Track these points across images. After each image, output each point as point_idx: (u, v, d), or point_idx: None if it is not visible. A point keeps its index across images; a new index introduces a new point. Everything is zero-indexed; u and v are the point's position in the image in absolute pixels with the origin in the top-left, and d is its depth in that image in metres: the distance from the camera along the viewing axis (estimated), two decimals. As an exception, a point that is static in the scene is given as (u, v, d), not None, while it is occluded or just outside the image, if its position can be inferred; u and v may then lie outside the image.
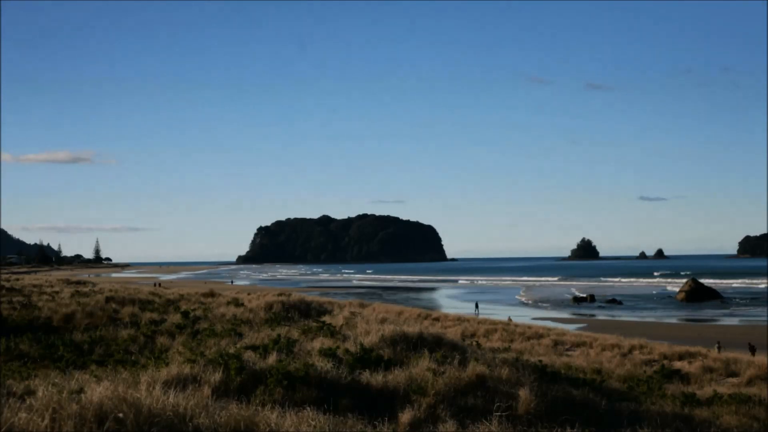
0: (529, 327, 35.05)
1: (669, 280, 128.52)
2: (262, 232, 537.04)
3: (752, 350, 32.30)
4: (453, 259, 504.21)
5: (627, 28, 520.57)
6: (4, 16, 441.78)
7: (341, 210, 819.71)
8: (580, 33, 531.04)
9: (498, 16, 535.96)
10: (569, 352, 26.05)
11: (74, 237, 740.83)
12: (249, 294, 40.72)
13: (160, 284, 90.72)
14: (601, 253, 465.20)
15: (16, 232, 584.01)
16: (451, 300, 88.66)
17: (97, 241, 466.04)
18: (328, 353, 10.90)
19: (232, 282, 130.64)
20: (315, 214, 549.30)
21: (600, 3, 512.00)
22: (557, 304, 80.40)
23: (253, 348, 11.67)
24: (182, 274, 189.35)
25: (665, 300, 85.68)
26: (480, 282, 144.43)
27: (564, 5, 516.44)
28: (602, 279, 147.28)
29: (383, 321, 20.66)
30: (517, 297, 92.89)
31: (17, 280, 50.65)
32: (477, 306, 65.20)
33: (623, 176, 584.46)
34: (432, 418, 9.04)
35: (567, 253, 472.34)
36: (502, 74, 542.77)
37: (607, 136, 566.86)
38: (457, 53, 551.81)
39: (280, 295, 35.52)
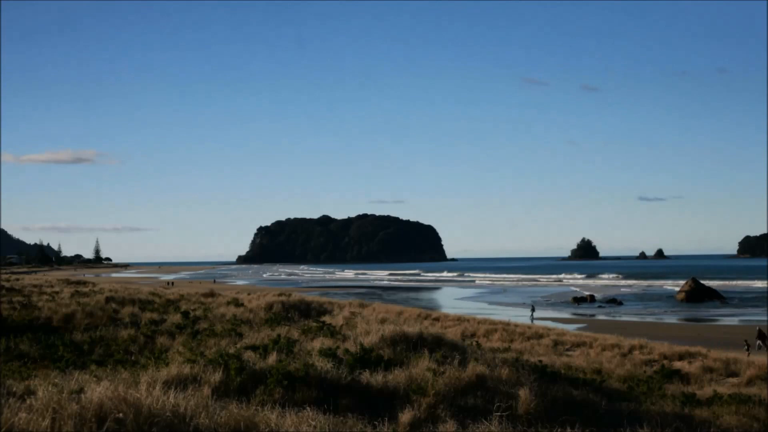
0: (529, 327, 35.05)
1: (668, 280, 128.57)
2: (262, 232, 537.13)
3: (758, 345, 32.60)
4: (453, 259, 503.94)
5: (621, 30, 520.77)
6: (5, 15, 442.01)
7: (341, 210, 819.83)
8: (573, 35, 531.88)
9: (495, 17, 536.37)
10: (569, 352, 26.05)
11: (75, 237, 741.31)
12: (249, 294, 40.72)
13: (172, 283, 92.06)
14: (601, 253, 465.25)
15: (17, 232, 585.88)
16: (461, 301, 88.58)
17: (97, 241, 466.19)
18: (328, 353, 10.90)
19: (214, 281, 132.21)
20: (315, 214, 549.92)
21: (592, 4, 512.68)
22: (557, 304, 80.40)
23: (253, 348, 11.68)
24: (182, 274, 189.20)
25: (665, 300, 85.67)
26: (485, 281, 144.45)
27: (555, 7, 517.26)
28: (602, 279, 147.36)
29: (383, 321, 20.67)
30: (516, 297, 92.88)
31: (17, 280, 50.66)
32: (533, 310, 59.65)
33: (622, 177, 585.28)
34: (432, 418, 9.04)
35: (567, 253, 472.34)
36: (497, 75, 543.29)
37: (604, 136, 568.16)
38: (454, 54, 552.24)
39: (280, 295, 35.54)
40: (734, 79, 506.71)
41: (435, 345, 12.36)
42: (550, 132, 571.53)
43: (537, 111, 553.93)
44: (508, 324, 35.18)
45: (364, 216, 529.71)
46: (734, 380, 19.56)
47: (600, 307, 75.16)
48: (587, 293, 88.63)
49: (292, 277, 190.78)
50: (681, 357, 24.38)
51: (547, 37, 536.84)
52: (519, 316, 55.75)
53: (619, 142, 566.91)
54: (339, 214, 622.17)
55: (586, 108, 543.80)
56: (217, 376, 9.37)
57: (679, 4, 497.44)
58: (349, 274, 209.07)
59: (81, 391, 7.80)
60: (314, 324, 16.44)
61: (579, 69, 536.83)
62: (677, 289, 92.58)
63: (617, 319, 60.14)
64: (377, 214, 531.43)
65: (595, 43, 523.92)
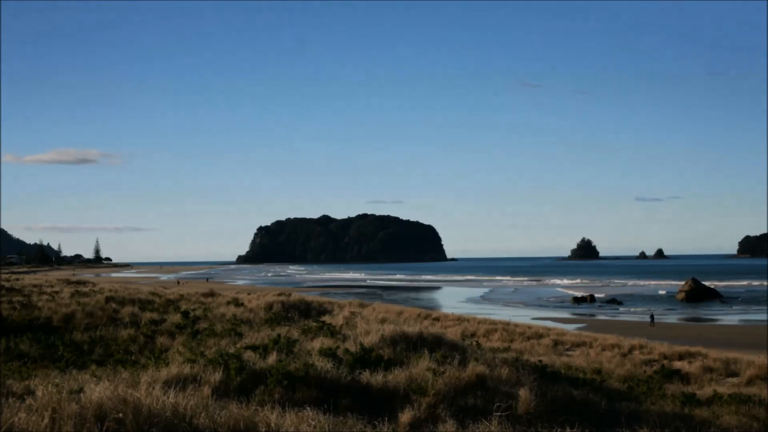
0: (529, 327, 35.00)
1: (668, 280, 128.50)
2: (262, 232, 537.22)
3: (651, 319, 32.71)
4: (453, 259, 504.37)
5: (613, 33, 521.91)
6: (6, 15, 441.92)
7: (341, 210, 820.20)
8: (566, 39, 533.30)
9: (493, 18, 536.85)
10: (569, 352, 26.02)
11: (76, 237, 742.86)
12: (249, 294, 40.71)
13: (179, 282, 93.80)
14: (601, 253, 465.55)
15: (18, 232, 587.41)
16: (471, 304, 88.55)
17: (97, 241, 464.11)
18: (328, 353, 10.89)
19: (207, 279, 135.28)
20: (315, 214, 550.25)
21: (586, 6, 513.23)
22: (557, 304, 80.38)
23: (253, 348, 11.66)
24: (182, 274, 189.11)
25: (665, 300, 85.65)
26: (488, 282, 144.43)
27: (549, 8, 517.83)
28: (602, 279, 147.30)
29: (383, 321, 20.65)
30: (516, 297, 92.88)
31: (17, 279, 50.62)
32: (653, 318, 56.23)
33: (619, 177, 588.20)
34: (432, 418, 9.03)
35: (567, 253, 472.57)
36: (495, 78, 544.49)
37: (600, 138, 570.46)
38: (453, 57, 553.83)
39: (280, 295, 35.50)
40: (729, 82, 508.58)
41: (435, 345, 12.34)
42: (548, 133, 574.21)
43: (534, 113, 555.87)
44: (508, 324, 35.15)
45: (364, 216, 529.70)
46: (734, 380, 19.53)
47: (600, 307, 75.17)
48: (587, 293, 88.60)
49: (292, 276, 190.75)
50: (681, 357, 24.33)
51: (539, 40, 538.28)
52: (518, 316, 55.76)
53: (614, 143, 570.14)
54: (339, 214, 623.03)
55: (581, 111, 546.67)
56: (217, 376, 9.35)
57: (670, 5, 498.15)
58: (349, 274, 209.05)
59: (81, 390, 7.79)
60: (314, 324, 16.42)
61: (572, 73, 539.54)
62: (677, 289, 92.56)
63: (617, 319, 60.15)
64: (377, 214, 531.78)
65: (587, 46, 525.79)
